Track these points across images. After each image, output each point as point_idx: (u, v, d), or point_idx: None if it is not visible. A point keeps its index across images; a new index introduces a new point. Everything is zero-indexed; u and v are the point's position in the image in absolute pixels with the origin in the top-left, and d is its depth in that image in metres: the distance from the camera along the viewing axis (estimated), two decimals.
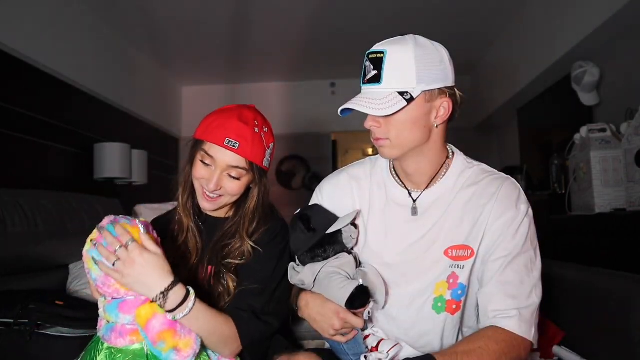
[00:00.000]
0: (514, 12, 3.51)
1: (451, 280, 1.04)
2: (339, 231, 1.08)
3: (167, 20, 3.59)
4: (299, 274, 1.08)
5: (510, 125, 4.32)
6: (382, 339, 1.07)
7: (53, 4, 2.91)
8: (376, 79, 0.98)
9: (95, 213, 1.95)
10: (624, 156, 1.85)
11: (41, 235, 1.66)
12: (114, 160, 3.10)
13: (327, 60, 4.60)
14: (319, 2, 3.33)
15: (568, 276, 1.43)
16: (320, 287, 1.05)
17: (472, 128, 4.94)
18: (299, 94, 5.28)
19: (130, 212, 2.87)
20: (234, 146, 1.06)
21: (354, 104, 1.00)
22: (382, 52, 0.98)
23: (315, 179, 5.41)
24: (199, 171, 1.11)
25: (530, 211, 1.04)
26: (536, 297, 0.99)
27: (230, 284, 1.11)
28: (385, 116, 0.98)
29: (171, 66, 4.65)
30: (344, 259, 1.07)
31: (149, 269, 0.91)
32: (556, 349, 1.32)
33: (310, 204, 1.22)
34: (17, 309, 1.34)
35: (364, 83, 1.02)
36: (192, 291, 0.96)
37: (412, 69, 0.97)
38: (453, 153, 1.12)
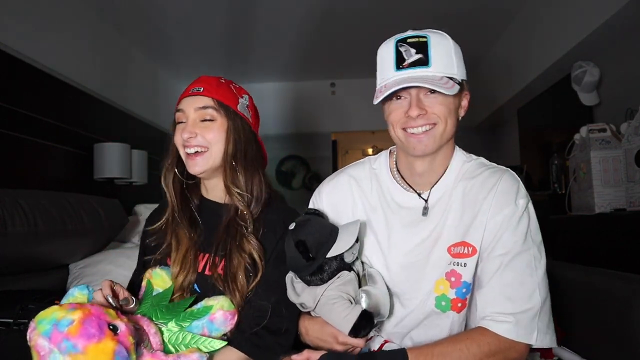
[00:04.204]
0: (514, 12, 3.51)
1: (452, 279, 1.01)
2: None
3: (167, 21, 3.58)
4: (299, 296, 1.04)
5: (510, 125, 4.32)
6: (386, 341, 1.06)
7: (53, 4, 2.91)
8: (423, 63, 0.96)
9: (95, 213, 1.95)
10: (624, 156, 1.85)
11: (41, 235, 1.65)
12: (114, 160, 3.09)
13: (327, 60, 4.60)
14: (319, 2, 3.34)
15: (568, 276, 1.43)
16: (322, 312, 1.01)
17: (472, 128, 4.95)
18: (299, 94, 5.28)
19: (130, 212, 2.87)
20: (198, 90, 1.12)
21: (415, 83, 0.94)
22: (425, 37, 0.97)
23: (315, 179, 5.41)
24: (177, 133, 1.13)
25: (531, 205, 1.01)
26: (539, 297, 0.94)
27: (240, 277, 1.07)
28: (437, 100, 0.97)
29: (171, 66, 4.65)
30: (344, 277, 1.02)
31: None
32: (556, 349, 1.32)
33: (309, 207, 1.18)
34: (17, 309, 1.34)
35: (403, 67, 0.97)
36: None
37: (453, 57, 0.98)
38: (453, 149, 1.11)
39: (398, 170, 1.12)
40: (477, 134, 4.97)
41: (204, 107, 1.11)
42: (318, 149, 5.49)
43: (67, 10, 3.05)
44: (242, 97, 1.18)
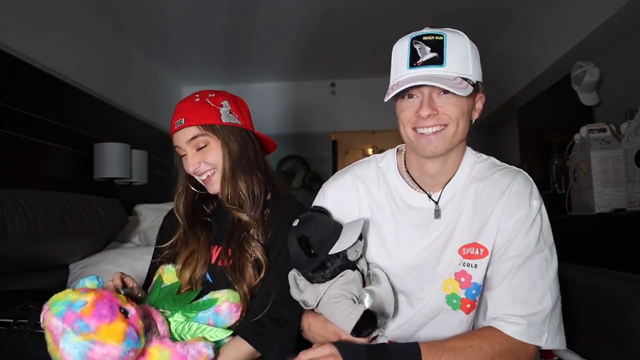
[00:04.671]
0: (514, 12, 3.51)
1: (462, 279, 1.00)
2: None
3: (167, 21, 3.58)
4: (302, 293, 1.03)
5: (510, 125, 4.32)
6: (390, 341, 1.05)
7: (53, 4, 2.91)
8: (437, 62, 0.93)
9: (95, 213, 1.95)
10: (624, 156, 1.85)
11: (41, 235, 1.65)
12: (114, 160, 3.09)
13: (327, 60, 4.60)
14: (319, 2, 3.34)
15: (568, 276, 1.43)
16: (324, 311, 1.00)
17: (472, 127, 4.94)
18: (299, 94, 5.28)
19: (130, 212, 2.87)
20: (181, 124, 1.14)
21: (427, 82, 0.91)
22: (442, 36, 0.94)
23: (315, 179, 5.41)
24: (185, 165, 1.18)
25: (543, 206, 1.01)
26: (550, 299, 0.94)
27: (249, 269, 1.11)
28: (449, 101, 0.95)
29: (171, 66, 4.65)
30: (348, 276, 1.01)
31: None
32: (556, 349, 1.32)
33: (313, 205, 1.18)
34: (17, 309, 1.34)
35: (416, 65, 0.95)
36: None
37: (469, 58, 0.96)
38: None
39: (407, 170, 1.10)
40: (477, 133, 4.97)
41: (193, 138, 1.15)
42: (318, 149, 5.48)
43: (67, 10, 3.05)
44: (221, 107, 1.17)
